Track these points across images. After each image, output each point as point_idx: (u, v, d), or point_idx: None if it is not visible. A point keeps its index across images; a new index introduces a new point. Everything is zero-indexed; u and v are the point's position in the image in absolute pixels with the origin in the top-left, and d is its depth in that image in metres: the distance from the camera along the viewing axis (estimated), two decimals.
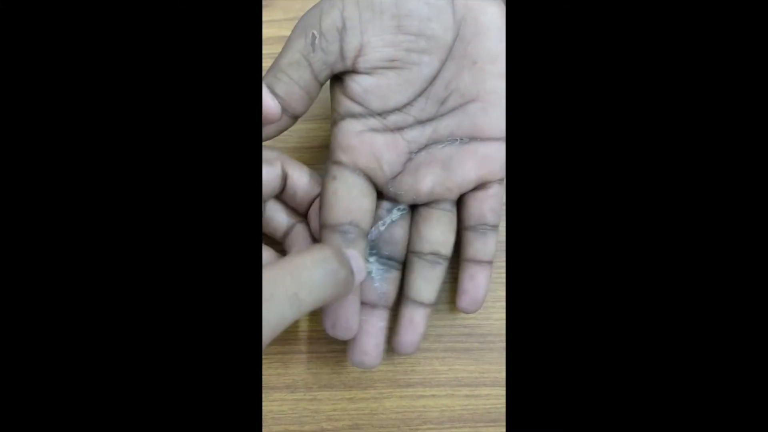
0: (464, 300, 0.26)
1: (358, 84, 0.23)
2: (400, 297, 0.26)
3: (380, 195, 0.25)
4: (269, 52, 0.31)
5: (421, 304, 0.26)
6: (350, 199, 0.24)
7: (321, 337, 0.29)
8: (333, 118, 0.24)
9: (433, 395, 0.29)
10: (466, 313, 0.27)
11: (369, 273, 0.25)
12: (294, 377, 0.29)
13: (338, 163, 0.24)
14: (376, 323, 0.25)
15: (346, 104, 0.23)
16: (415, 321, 0.26)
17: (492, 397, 0.29)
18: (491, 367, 0.29)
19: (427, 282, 0.25)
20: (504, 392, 0.29)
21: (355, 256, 0.23)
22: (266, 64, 0.30)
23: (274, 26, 0.31)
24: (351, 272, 0.21)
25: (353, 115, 0.23)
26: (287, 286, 0.17)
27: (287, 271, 0.18)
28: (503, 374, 0.29)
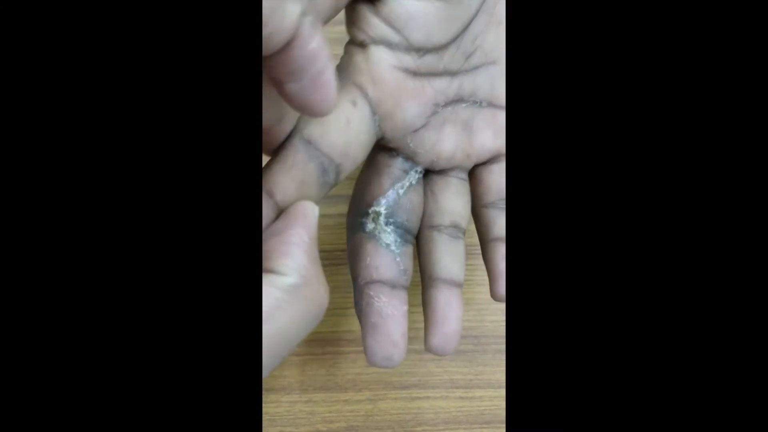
0: (503, 285, 0.21)
1: (403, 6, 0.19)
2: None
3: (394, 151, 0.22)
4: None
5: (454, 283, 0.21)
6: (356, 142, 0.20)
7: (316, 339, 0.29)
8: (359, 41, 0.20)
9: (427, 397, 0.29)
10: (503, 301, 0.22)
11: (388, 245, 0.21)
12: (289, 379, 0.29)
13: (363, 91, 0.20)
14: (400, 306, 0.20)
15: (382, 29, 0.19)
16: (453, 305, 0.21)
17: (486, 398, 0.29)
18: (485, 369, 0.29)
19: (454, 258, 0.22)
20: (498, 394, 0.29)
21: (314, 210, 0.18)
22: None
23: None
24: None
25: (388, 44, 0.20)
26: (282, 351, 0.15)
27: (282, 338, 0.15)
28: (497, 376, 0.29)
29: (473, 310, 0.30)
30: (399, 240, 0.21)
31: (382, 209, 0.21)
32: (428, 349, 0.21)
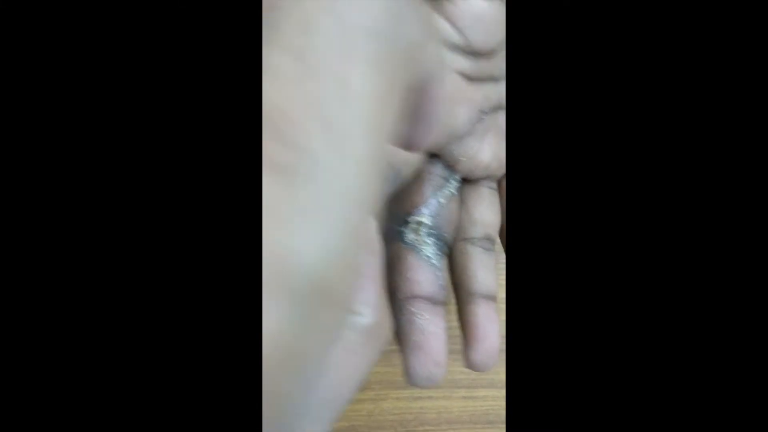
0: None
1: (468, 5, 0.18)
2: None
3: (436, 157, 0.21)
4: None
5: (491, 297, 0.21)
6: None
7: None
8: None
9: (430, 397, 0.29)
10: None
11: (429, 258, 0.20)
12: None
13: None
14: (441, 323, 0.20)
15: (445, 29, 0.19)
16: (493, 319, 0.20)
17: (489, 398, 0.29)
18: None
19: (489, 272, 0.21)
20: (501, 394, 0.29)
21: (375, 228, 0.17)
22: None
23: None
24: None
25: (450, 46, 0.19)
26: (350, 395, 0.14)
27: (353, 382, 0.14)
28: (500, 376, 0.29)
29: None
30: (438, 253, 0.20)
31: (426, 219, 0.20)
32: (470, 365, 0.20)
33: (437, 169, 0.20)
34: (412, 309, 0.19)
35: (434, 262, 0.20)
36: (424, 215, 0.20)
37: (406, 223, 0.20)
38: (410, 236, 0.20)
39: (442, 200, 0.20)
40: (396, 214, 0.20)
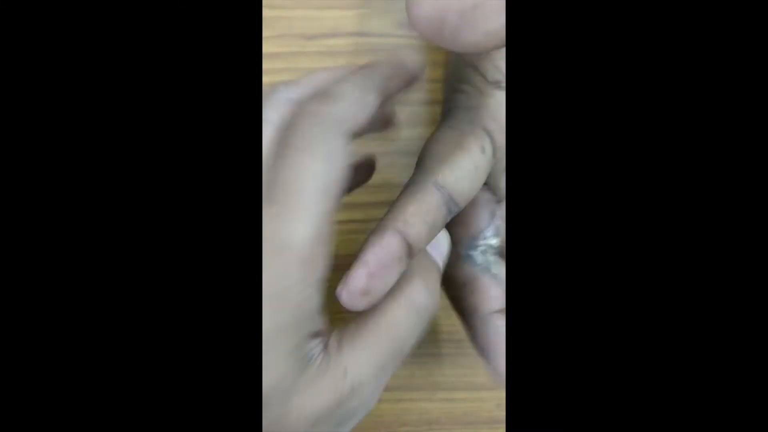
0: None
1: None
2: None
3: (486, 185, 0.22)
4: None
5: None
6: (477, 186, 0.20)
7: None
8: (495, 80, 0.20)
9: (410, 399, 0.30)
10: None
11: (496, 275, 0.22)
12: None
13: (491, 137, 0.20)
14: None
15: (499, 77, 0.20)
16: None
17: (468, 400, 0.30)
18: (467, 372, 0.30)
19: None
20: (479, 396, 0.30)
21: (446, 242, 0.19)
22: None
23: (264, 43, 0.32)
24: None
25: (503, 89, 0.20)
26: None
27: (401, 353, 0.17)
28: (479, 378, 0.30)
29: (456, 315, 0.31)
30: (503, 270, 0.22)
31: (493, 242, 0.22)
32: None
33: (488, 196, 0.22)
34: (498, 323, 0.21)
35: (501, 277, 0.21)
36: (492, 238, 0.21)
37: (474, 247, 0.22)
38: (480, 258, 0.21)
39: (498, 223, 0.22)
40: (462, 239, 0.22)
